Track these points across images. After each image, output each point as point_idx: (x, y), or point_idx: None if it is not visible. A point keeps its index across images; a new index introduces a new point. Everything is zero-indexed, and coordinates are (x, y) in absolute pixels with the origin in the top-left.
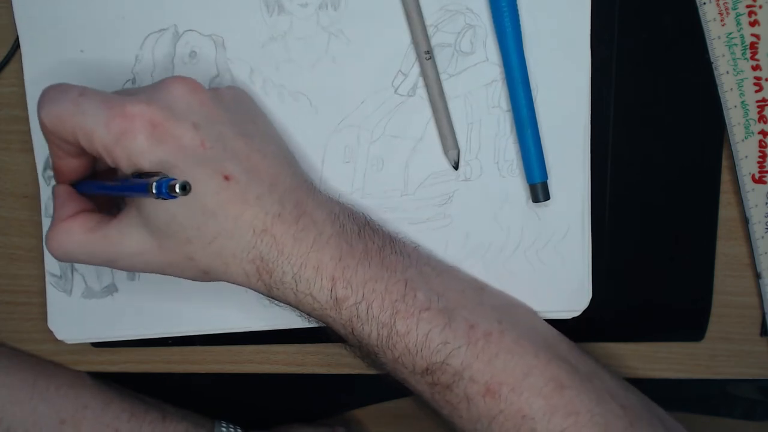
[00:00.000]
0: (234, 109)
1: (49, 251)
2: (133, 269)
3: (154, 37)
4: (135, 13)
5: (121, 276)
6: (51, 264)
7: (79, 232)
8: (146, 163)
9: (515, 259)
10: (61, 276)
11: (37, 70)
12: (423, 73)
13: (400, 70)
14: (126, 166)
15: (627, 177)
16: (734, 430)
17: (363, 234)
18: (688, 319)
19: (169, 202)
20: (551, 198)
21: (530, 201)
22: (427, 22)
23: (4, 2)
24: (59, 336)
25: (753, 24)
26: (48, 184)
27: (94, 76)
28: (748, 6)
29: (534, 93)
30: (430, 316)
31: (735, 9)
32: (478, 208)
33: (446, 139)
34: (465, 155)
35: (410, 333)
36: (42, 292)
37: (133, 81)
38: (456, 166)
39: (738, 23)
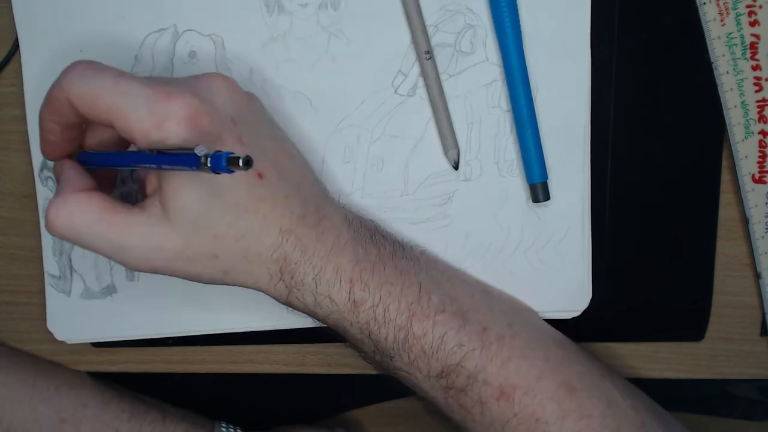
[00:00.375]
0: (265, 113)
1: (50, 224)
2: (139, 264)
3: (154, 37)
4: (135, 13)
5: (120, 277)
6: (50, 264)
7: (95, 210)
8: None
9: (515, 259)
10: (60, 276)
11: (37, 70)
12: (423, 73)
13: (400, 70)
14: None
15: (627, 177)
16: (734, 430)
17: (375, 239)
18: (688, 319)
19: (205, 194)
20: (551, 198)
21: (530, 201)
22: (427, 22)
23: (4, 2)
24: (59, 336)
25: (753, 24)
26: (44, 185)
27: None
28: (748, 6)
29: (534, 93)
30: (445, 319)
31: (735, 9)
32: (478, 208)
33: (446, 139)
34: (465, 155)
35: (426, 335)
36: (42, 293)
37: None
38: (456, 166)
39: (738, 23)
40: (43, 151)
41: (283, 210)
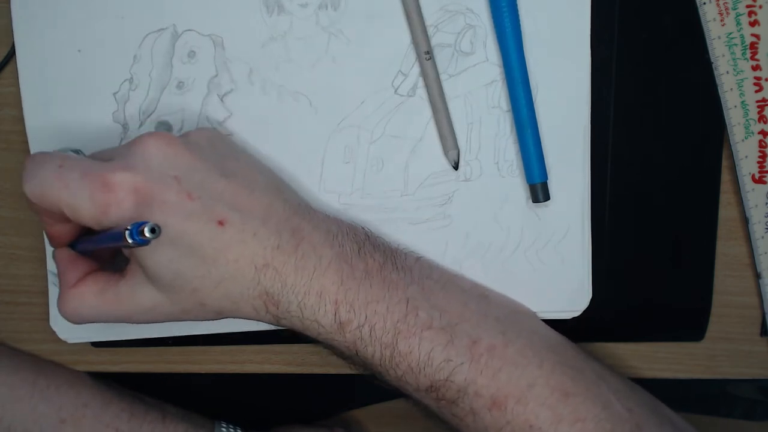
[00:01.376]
0: (211, 152)
1: (64, 317)
2: (150, 322)
3: (153, 37)
4: (134, 12)
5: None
6: (52, 263)
7: (90, 296)
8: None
9: (515, 260)
10: None
11: (34, 70)
12: (423, 74)
13: (400, 71)
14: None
15: (627, 177)
16: (734, 430)
17: (363, 252)
18: (688, 319)
19: (169, 259)
20: (551, 198)
21: (530, 201)
22: (427, 23)
23: (3, 2)
24: (61, 335)
25: (753, 24)
26: None
27: (91, 77)
28: (748, 6)
29: (534, 93)
30: (431, 335)
31: (735, 9)
32: (478, 209)
33: (446, 139)
34: (465, 155)
35: (412, 352)
36: (42, 292)
37: (131, 80)
38: (456, 167)
39: (738, 23)
40: (51, 243)
41: (254, 248)
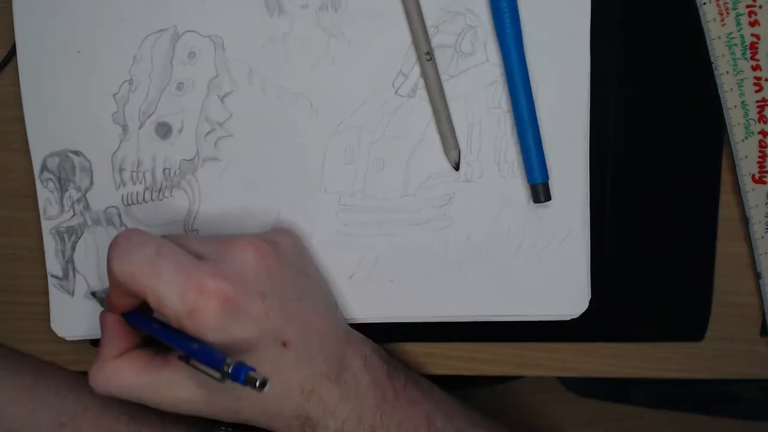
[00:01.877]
0: (293, 267)
1: (92, 385)
2: (174, 411)
3: (153, 38)
4: (134, 13)
5: None
6: (53, 265)
7: (128, 374)
8: (214, 337)
9: (516, 261)
10: (62, 277)
11: (34, 70)
12: (423, 74)
13: (400, 71)
14: (191, 334)
15: (627, 177)
16: (734, 430)
17: (390, 374)
18: (688, 319)
19: None
20: (552, 198)
21: (531, 202)
22: (428, 23)
23: (4, 2)
24: (60, 333)
25: (753, 24)
26: (45, 186)
27: (91, 78)
28: (748, 6)
29: (534, 93)
30: None
31: (735, 9)
32: (479, 209)
33: (447, 140)
34: (465, 156)
35: None
36: (42, 293)
37: (131, 82)
38: (457, 167)
39: (738, 23)
40: (106, 307)
41: (306, 372)
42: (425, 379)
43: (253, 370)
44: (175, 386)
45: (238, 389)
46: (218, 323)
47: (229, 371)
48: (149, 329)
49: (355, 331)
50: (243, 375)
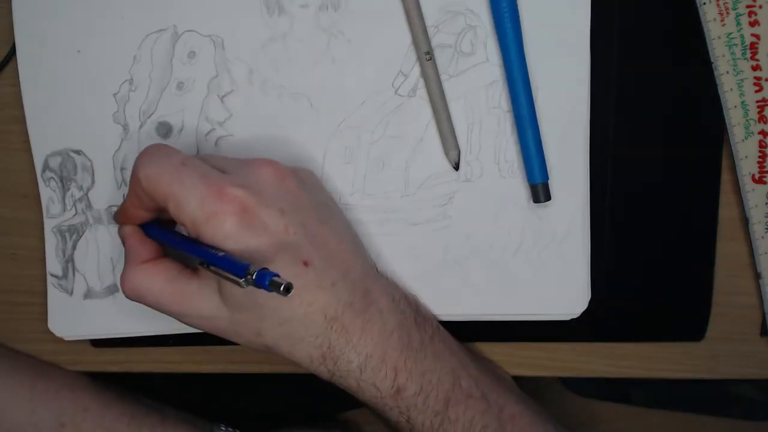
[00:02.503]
0: (315, 193)
1: (123, 290)
2: (196, 327)
3: (153, 38)
4: (134, 13)
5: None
6: (52, 265)
7: (160, 279)
8: (231, 246)
9: (516, 260)
10: (62, 276)
11: (34, 70)
12: (423, 74)
13: (400, 71)
14: (208, 241)
15: (627, 177)
16: (734, 430)
17: (418, 321)
18: (688, 319)
19: None
20: (552, 198)
21: (531, 201)
22: (428, 23)
23: (4, 2)
24: (59, 334)
25: (753, 24)
26: (47, 185)
27: (91, 77)
28: (748, 6)
29: (534, 93)
30: (473, 403)
31: (735, 9)
32: (479, 209)
33: (447, 139)
34: (465, 156)
35: (459, 420)
36: (42, 293)
37: (131, 81)
38: (456, 167)
39: (738, 23)
40: (116, 217)
41: (329, 298)
42: (457, 341)
43: (278, 275)
44: (202, 299)
45: (264, 308)
46: (235, 231)
47: (254, 278)
48: (167, 239)
49: (385, 275)
50: (267, 280)
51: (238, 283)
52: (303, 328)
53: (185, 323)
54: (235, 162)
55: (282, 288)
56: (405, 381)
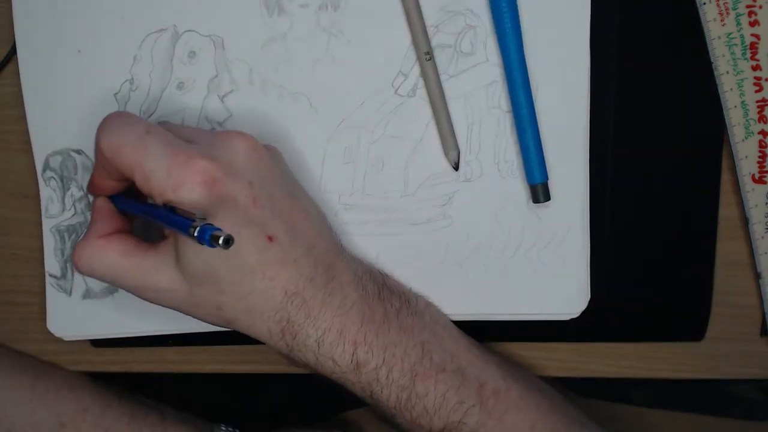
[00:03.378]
0: (283, 169)
1: (75, 264)
2: (154, 302)
3: (153, 38)
4: (134, 13)
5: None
6: (51, 264)
7: (113, 253)
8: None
9: (516, 261)
10: (61, 276)
11: (34, 70)
12: (423, 74)
13: (400, 71)
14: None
15: (627, 177)
16: (734, 430)
17: (382, 296)
18: (688, 319)
19: (211, 254)
20: (551, 198)
21: (531, 202)
22: (428, 23)
23: (4, 2)
24: (58, 334)
25: (753, 24)
26: (47, 185)
27: (91, 77)
28: (748, 6)
29: (534, 93)
30: (446, 377)
31: (735, 9)
32: (479, 209)
33: (446, 140)
34: (465, 156)
35: (428, 394)
36: (41, 293)
37: (131, 81)
38: (456, 167)
39: (738, 23)
40: (88, 188)
41: (291, 273)
42: (437, 314)
43: (219, 230)
44: (159, 271)
45: (223, 282)
46: (203, 201)
47: (195, 234)
48: (134, 209)
49: (352, 252)
50: (208, 235)
51: (194, 239)
52: (263, 302)
53: (143, 298)
54: (204, 133)
55: (222, 240)
56: (365, 354)
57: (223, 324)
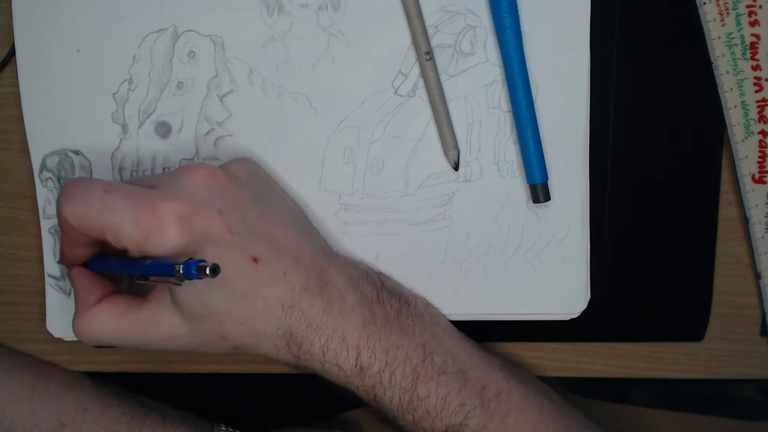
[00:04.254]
0: (251, 186)
1: (79, 338)
2: (166, 350)
3: (153, 37)
4: (133, 12)
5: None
6: (50, 265)
7: (110, 319)
8: (178, 256)
9: (516, 261)
10: (60, 277)
11: (33, 70)
12: (423, 74)
13: (400, 71)
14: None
15: (627, 177)
16: (734, 430)
17: (381, 298)
18: (688, 319)
19: (202, 289)
20: (551, 198)
21: (530, 202)
22: (428, 23)
23: (4, 2)
24: (58, 335)
25: (753, 24)
26: (44, 186)
27: (90, 77)
28: (748, 6)
29: (534, 93)
30: (447, 380)
31: (735, 9)
32: (479, 209)
33: (446, 139)
34: (465, 156)
35: (430, 397)
36: (41, 293)
37: (130, 81)
38: (456, 167)
39: (738, 23)
40: (59, 261)
41: (284, 287)
42: (436, 316)
43: (203, 261)
44: (158, 322)
45: (220, 312)
46: (178, 242)
47: (181, 271)
48: (112, 268)
49: (343, 255)
50: (194, 269)
51: (175, 283)
52: (263, 321)
53: (154, 350)
54: (162, 176)
55: (208, 270)
56: (368, 358)
57: (233, 351)
